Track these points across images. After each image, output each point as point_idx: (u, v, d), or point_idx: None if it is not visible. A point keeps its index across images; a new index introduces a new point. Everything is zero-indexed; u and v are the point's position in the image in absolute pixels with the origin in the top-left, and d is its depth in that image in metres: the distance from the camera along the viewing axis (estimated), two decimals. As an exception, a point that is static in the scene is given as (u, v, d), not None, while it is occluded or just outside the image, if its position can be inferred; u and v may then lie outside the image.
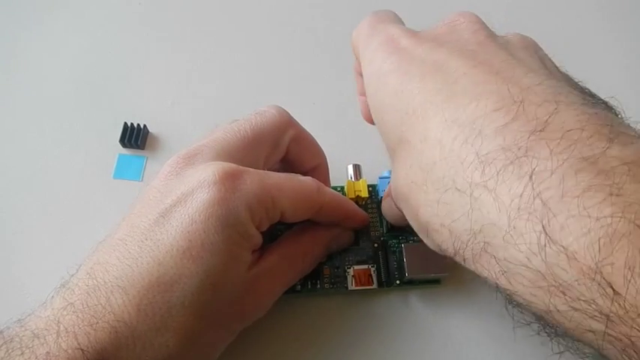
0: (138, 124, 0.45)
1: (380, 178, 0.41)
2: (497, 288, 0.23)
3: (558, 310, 0.20)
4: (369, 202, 0.42)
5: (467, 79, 0.25)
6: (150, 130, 0.46)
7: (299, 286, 0.39)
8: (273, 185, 0.32)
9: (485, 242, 0.22)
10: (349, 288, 0.38)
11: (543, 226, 0.20)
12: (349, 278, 0.39)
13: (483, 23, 0.30)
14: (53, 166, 0.45)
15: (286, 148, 0.37)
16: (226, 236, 0.29)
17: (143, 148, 0.45)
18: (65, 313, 0.27)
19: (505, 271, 0.22)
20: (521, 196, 0.20)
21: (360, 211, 0.39)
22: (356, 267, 0.39)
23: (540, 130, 0.21)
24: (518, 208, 0.20)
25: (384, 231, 0.41)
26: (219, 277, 0.29)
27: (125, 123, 0.45)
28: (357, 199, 0.40)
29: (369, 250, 0.40)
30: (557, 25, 0.50)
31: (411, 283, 0.39)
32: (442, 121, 0.25)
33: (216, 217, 0.29)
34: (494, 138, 0.22)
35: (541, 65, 0.27)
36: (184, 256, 0.28)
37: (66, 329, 0.26)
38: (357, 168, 0.41)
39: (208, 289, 0.29)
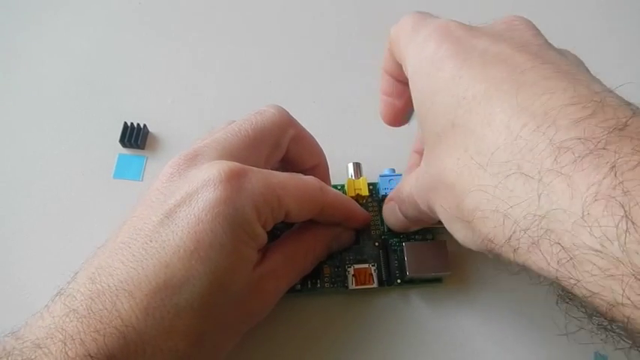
0: (138, 124, 0.45)
1: (380, 176, 0.41)
2: (554, 280, 0.22)
3: (631, 301, 0.19)
4: (369, 200, 0.41)
5: (535, 73, 0.24)
6: (150, 130, 0.46)
7: (299, 286, 0.39)
8: (278, 184, 0.31)
9: (548, 229, 0.21)
10: (349, 287, 0.38)
11: (625, 213, 0.19)
12: (349, 277, 0.38)
13: (539, 30, 0.30)
14: (53, 165, 0.45)
15: (286, 147, 0.37)
16: (234, 236, 0.29)
17: (143, 148, 0.45)
18: (68, 320, 0.26)
19: (571, 258, 0.20)
20: (600, 184, 0.20)
21: (362, 210, 0.39)
22: (356, 266, 0.39)
23: (620, 129, 0.20)
24: (596, 194, 0.19)
25: (385, 230, 0.41)
26: (227, 278, 0.29)
27: (125, 123, 0.45)
28: (358, 198, 0.40)
29: (370, 248, 0.40)
30: (558, 25, 0.50)
31: (412, 282, 0.39)
32: (511, 107, 0.24)
33: (223, 216, 0.29)
34: (570, 129, 0.21)
35: (598, 80, 0.26)
36: (192, 257, 0.28)
37: (72, 336, 0.26)
38: (357, 166, 0.41)
39: (217, 290, 0.29)
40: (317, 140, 0.42)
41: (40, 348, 0.25)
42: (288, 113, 0.36)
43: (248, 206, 0.30)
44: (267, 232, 0.32)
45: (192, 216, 0.29)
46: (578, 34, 0.49)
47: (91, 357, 0.25)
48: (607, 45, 0.49)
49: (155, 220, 0.29)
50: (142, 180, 0.44)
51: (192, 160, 0.32)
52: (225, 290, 0.29)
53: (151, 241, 0.29)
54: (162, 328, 0.27)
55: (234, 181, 0.30)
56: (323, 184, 0.35)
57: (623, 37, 0.49)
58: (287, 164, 0.38)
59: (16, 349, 0.26)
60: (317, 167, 0.39)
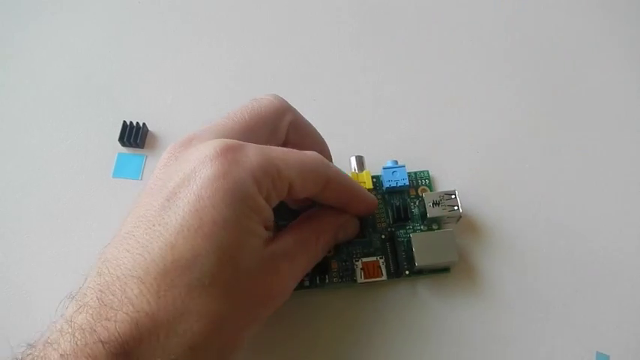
0: (137, 123, 0.44)
1: (384, 168, 0.41)
2: None
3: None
4: (373, 193, 0.41)
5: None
6: (149, 129, 0.45)
7: (307, 282, 0.38)
8: (277, 157, 0.31)
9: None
10: (358, 281, 0.38)
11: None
12: (358, 271, 0.38)
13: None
14: (52, 164, 0.44)
15: (285, 134, 0.36)
16: (236, 209, 0.28)
17: (142, 147, 0.45)
18: (78, 314, 0.26)
19: None
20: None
21: (368, 193, 0.38)
22: (364, 259, 0.38)
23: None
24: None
25: (391, 222, 0.41)
26: (235, 252, 0.28)
27: (124, 122, 0.44)
28: (362, 191, 0.40)
29: (377, 241, 0.40)
30: (558, 26, 0.50)
31: (421, 273, 0.39)
32: None
33: (223, 190, 0.28)
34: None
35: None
36: (197, 235, 0.27)
37: (81, 327, 0.25)
38: (360, 159, 0.41)
39: (227, 266, 0.28)
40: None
41: (51, 344, 0.25)
42: (285, 100, 0.36)
43: (247, 178, 0.29)
44: (274, 210, 0.31)
45: (192, 194, 0.28)
46: (578, 34, 0.50)
47: (102, 342, 0.25)
48: (607, 45, 0.49)
49: (157, 205, 0.29)
50: (141, 179, 0.44)
51: (188, 143, 0.31)
52: (236, 266, 0.29)
53: (154, 226, 0.28)
54: (175, 310, 0.26)
55: (229, 154, 0.29)
56: (326, 159, 0.34)
57: (624, 37, 0.50)
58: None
59: (27, 354, 0.25)
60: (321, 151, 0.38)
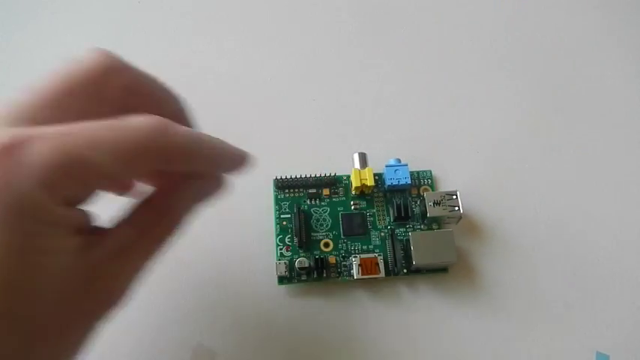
0: (138, 122, 0.44)
1: (386, 166, 0.41)
2: None
3: None
4: (375, 190, 0.41)
5: None
6: (150, 128, 0.45)
7: (304, 276, 0.38)
8: (82, 143, 0.23)
9: None
10: (355, 277, 0.38)
11: None
12: (355, 267, 0.38)
13: None
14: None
15: (116, 99, 0.28)
16: (20, 230, 0.22)
17: (143, 146, 0.45)
18: None
19: None
20: None
21: (234, 148, 0.32)
22: (362, 255, 0.38)
23: None
24: None
25: (391, 220, 0.40)
26: (26, 284, 0.22)
27: (125, 121, 0.44)
28: (363, 188, 0.40)
29: (376, 238, 0.40)
30: (559, 26, 0.50)
31: (419, 272, 0.39)
32: None
33: None
34: None
35: None
36: None
37: None
38: (362, 156, 0.41)
39: (18, 302, 0.22)
40: (316, 134, 0.42)
41: None
42: (115, 58, 0.29)
43: (31, 186, 0.22)
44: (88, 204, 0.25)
45: None
46: (577, 35, 0.50)
47: None
48: (608, 45, 0.49)
49: None
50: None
51: None
52: (32, 300, 0.23)
53: None
54: None
55: (4, 158, 0.22)
56: (167, 123, 0.26)
57: (624, 37, 0.50)
58: None
59: None
60: (174, 115, 0.30)
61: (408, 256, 0.39)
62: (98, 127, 0.24)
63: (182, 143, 0.27)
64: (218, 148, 0.30)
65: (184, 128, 0.27)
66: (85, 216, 0.25)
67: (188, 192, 0.30)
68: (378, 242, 0.40)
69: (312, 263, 0.38)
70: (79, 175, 0.23)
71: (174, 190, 0.29)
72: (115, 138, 0.24)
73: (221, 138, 0.44)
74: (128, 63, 0.29)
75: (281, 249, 0.39)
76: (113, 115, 0.26)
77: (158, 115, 0.26)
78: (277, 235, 0.40)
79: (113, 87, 0.28)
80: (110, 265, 0.25)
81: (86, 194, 0.24)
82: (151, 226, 0.28)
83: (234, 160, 0.31)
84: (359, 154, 0.41)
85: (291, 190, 0.41)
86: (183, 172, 0.30)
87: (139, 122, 0.25)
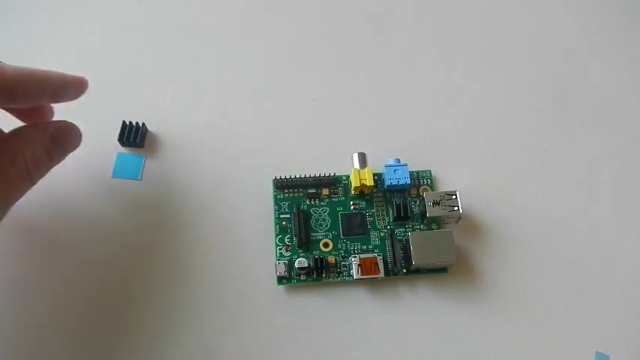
0: (137, 123, 0.44)
1: (386, 166, 0.41)
2: None
3: None
4: (374, 190, 0.41)
5: None
6: (149, 129, 0.45)
7: (304, 276, 0.38)
8: None
9: None
10: (355, 277, 0.38)
11: None
12: (355, 267, 0.38)
13: None
14: (51, 164, 0.44)
15: None
16: None
17: (142, 147, 0.44)
18: None
19: None
20: None
21: (66, 75, 0.35)
22: (362, 256, 0.38)
23: None
24: None
25: (391, 220, 0.40)
26: None
27: (124, 121, 0.44)
28: (363, 188, 0.40)
29: (375, 238, 0.40)
30: (559, 26, 0.50)
31: (418, 272, 0.39)
32: None
33: None
34: None
35: None
36: None
37: None
38: (362, 156, 0.41)
39: None
40: (315, 134, 0.42)
41: None
42: None
43: None
44: None
45: None
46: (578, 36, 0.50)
47: None
48: (608, 45, 0.49)
49: None
50: (141, 179, 0.43)
51: None
52: None
53: None
54: None
55: None
56: None
57: (624, 37, 0.50)
58: None
59: None
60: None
61: (407, 256, 0.38)
62: None
63: (12, 76, 0.30)
64: (51, 76, 0.33)
65: (11, 67, 0.30)
66: None
67: (35, 137, 0.33)
68: (377, 242, 0.40)
69: (311, 263, 0.38)
70: None
71: (20, 136, 0.32)
72: None
73: (221, 138, 0.44)
74: None
75: (280, 249, 0.39)
76: None
77: None
78: (277, 235, 0.40)
79: None
80: None
81: None
82: (6, 171, 0.31)
83: (68, 83, 0.35)
84: (358, 154, 0.41)
85: (291, 190, 0.41)
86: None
87: None
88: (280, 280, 0.38)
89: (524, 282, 0.40)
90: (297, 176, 0.40)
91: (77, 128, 0.37)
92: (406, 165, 0.41)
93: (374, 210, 0.41)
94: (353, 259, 0.38)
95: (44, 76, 0.32)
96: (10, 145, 0.32)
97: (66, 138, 0.36)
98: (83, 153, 0.43)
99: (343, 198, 0.41)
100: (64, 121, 0.36)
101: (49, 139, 0.34)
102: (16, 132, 0.32)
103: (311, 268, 0.38)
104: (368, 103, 0.46)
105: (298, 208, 0.40)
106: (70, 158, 0.39)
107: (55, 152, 0.35)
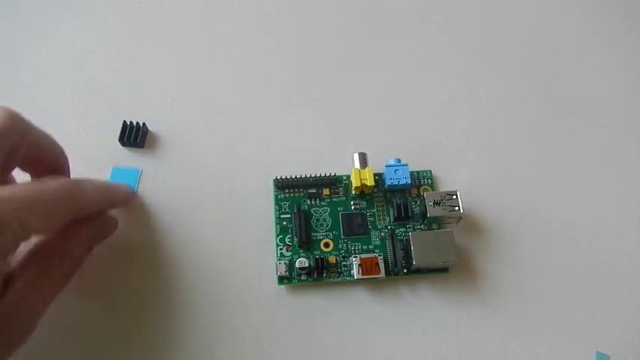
0: (137, 123, 0.44)
1: (386, 166, 0.41)
2: None
3: None
4: (375, 190, 0.41)
5: None
6: (149, 129, 0.45)
7: (305, 276, 0.38)
8: (20, 207, 0.28)
9: None
10: (356, 277, 0.37)
11: None
12: (355, 267, 0.38)
13: None
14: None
15: (23, 154, 0.33)
16: None
17: (142, 147, 0.44)
18: None
19: None
20: None
21: (124, 192, 0.40)
22: (362, 256, 0.38)
23: None
24: None
25: (391, 220, 0.40)
26: None
27: (124, 121, 0.44)
28: (364, 188, 0.40)
29: (376, 238, 0.40)
30: (559, 26, 0.50)
31: (419, 272, 0.39)
32: None
33: None
34: None
35: None
36: None
37: None
38: (362, 156, 0.41)
39: None
40: (316, 134, 0.42)
41: None
42: (20, 116, 0.32)
43: None
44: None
45: None
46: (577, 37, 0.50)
47: None
48: (608, 45, 0.50)
49: None
50: (137, 193, 0.43)
51: None
52: None
53: None
54: None
55: None
56: (74, 183, 0.32)
57: (624, 37, 0.50)
58: (27, 167, 0.35)
59: None
60: (60, 169, 0.37)
61: (408, 256, 0.38)
62: (31, 191, 0.29)
63: (87, 199, 0.33)
64: (112, 193, 0.37)
65: (86, 183, 0.33)
66: (8, 267, 0.29)
67: (83, 235, 0.34)
68: (378, 242, 0.40)
69: (312, 263, 0.38)
70: (14, 234, 0.27)
71: (70, 233, 0.33)
72: (46, 201, 0.29)
73: (221, 138, 0.44)
74: (26, 119, 0.33)
75: (281, 249, 0.39)
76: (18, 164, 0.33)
77: (49, 162, 0.35)
78: (277, 235, 0.40)
79: (22, 142, 0.32)
80: (16, 311, 0.29)
81: (14, 249, 0.28)
82: (54, 268, 0.32)
83: (123, 201, 0.39)
84: (359, 154, 0.41)
85: (291, 190, 0.41)
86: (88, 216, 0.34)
87: (57, 186, 0.31)
88: (281, 280, 0.38)
89: (524, 282, 0.40)
90: (298, 176, 0.40)
91: (116, 220, 0.39)
92: (407, 165, 0.41)
93: (374, 210, 0.41)
94: (354, 259, 0.38)
95: (111, 197, 0.37)
96: (58, 242, 0.33)
97: (108, 231, 0.38)
98: (84, 152, 0.43)
99: (344, 198, 0.41)
100: (109, 216, 0.38)
101: (96, 233, 0.37)
102: (61, 230, 0.33)
103: (312, 268, 0.38)
104: (368, 104, 0.46)
105: (299, 208, 0.40)
106: (70, 158, 0.39)
107: (95, 244, 0.37)
